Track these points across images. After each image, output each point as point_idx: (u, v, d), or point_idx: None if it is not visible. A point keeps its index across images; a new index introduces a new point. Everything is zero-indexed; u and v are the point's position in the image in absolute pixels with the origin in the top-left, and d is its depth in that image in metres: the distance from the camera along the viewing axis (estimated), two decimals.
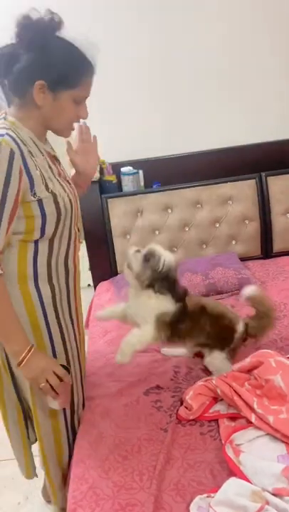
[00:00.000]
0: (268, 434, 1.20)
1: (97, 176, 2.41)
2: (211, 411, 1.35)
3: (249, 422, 1.26)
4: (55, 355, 1.26)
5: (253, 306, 1.57)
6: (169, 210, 2.40)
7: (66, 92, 1.13)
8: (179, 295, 1.44)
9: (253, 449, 1.16)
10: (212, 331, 1.49)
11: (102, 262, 2.47)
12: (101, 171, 2.44)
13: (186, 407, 1.36)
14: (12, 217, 1.07)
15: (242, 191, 2.41)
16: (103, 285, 2.43)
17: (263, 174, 2.43)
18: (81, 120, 1.24)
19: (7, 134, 1.07)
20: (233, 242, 2.47)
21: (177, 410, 1.38)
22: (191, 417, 1.33)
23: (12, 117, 1.15)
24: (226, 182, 2.41)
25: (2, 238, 1.07)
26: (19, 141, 1.09)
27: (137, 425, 1.35)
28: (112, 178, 2.46)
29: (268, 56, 2.45)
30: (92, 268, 2.52)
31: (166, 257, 1.39)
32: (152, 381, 1.53)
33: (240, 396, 1.28)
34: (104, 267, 2.47)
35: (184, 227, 2.41)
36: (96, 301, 2.30)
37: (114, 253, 2.43)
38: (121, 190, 2.48)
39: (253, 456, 1.12)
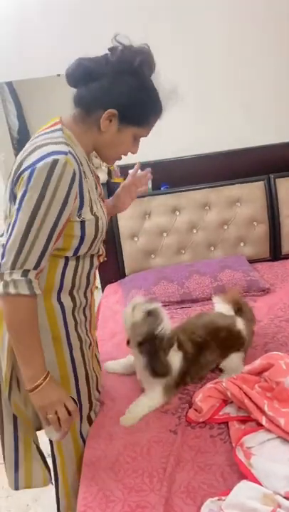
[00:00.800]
0: (279, 436, 1.19)
1: (105, 178, 2.42)
2: (220, 413, 1.34)
3: (259, 425, 1.25)
4: (74, 365, 1.24)
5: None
6: (177, 212, 2.40)
7: (132, 127, 1.14)
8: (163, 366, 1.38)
9: (264, 452, 1.15)
10: (220, 348, 1.50)
11: (110, 264, 2.46)
12: (109, 174, 2.45)
13: (196, 410, 1.35)
14: (58, 237, 1.08)
15: (250, 193, 2.41)
16: (111, 287, 2.44)
17: (272, 176, 2.43)
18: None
19: (70, 152, 1.05)
20: (242, 245, 2.46)
21: (186, 412, 1.37)
22: (201, 420, 1.32)
23: (68, 130, 1.13)
24: (235, 184, 2.41)
25: (46, 258, 1.07)
26: (78, 161, 1.08)
27: (146, 427, 1.34)
28: (120, 181, 2.46)
29: (276, 57, 2.45)
30: (100, 270, 2.52)
31: (166, 325, 1.37)
32: None
33: (250, 398, 1.27)
34: (112, 269, 2.47)
35: (192, 229, 2.41)
36: (104, 303, 2.30)
37: (122, 255, 2.43)
38: None
39: (265, 458, 1.11)
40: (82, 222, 1.12)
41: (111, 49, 1.11)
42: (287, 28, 2.41)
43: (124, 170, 2.46)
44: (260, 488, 1.03)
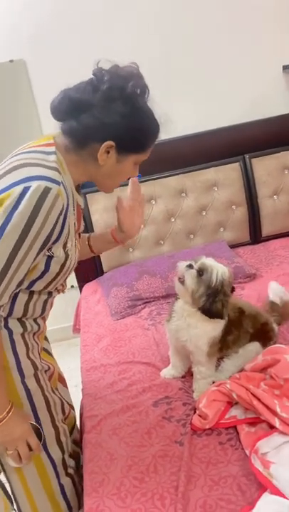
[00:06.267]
0: None
1: None
2: (226, 417, 1.25)
3: (271, 426, 1.16)
4: (29, 394, 1.11)
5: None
6: (153, 201, 2.27)
7: (132, 155, 1.06)
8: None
9: (282, 458, 1.07)
10: (254, 332, 1.44)
11: (85, 261, 2.30)
12: None
13: (200, 416, 1.25)
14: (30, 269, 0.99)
15: (227, 176, 2.31)
16: (89, 286, 2.29)
17: (247, 156, 2.33)
18: None
19: (62, 183, 0.95)
20: (221, 230, 2.37)
21: (191, 420, 1.27)
22: (207, 426, 1.23)
23: (61, 155, 1.01)
24: (210, 167, 2.30)
25: (14, 285, 0.96)
26: (67, 193, 0.99)
27: (149, 441, 1.23)
28: None
29: (241, 35, 2.36)
30: (75, 268, 2.36)
31: (220, 270, 1.30)
32: (159, 391, 1.41)
33: (259, 400, 1.18)
34: (89, 267, 2.33)
35: (169, 218, 2.29)
36: (84, 304, 2.16)
37: None
38: None
39: (285, 467, 1.02)
40: (50, 257, 1.01)
41: (96, 74, 1.01)
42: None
43: None
44: (285, 501, 0.95)
